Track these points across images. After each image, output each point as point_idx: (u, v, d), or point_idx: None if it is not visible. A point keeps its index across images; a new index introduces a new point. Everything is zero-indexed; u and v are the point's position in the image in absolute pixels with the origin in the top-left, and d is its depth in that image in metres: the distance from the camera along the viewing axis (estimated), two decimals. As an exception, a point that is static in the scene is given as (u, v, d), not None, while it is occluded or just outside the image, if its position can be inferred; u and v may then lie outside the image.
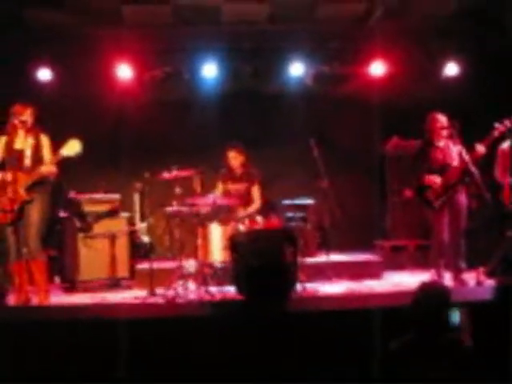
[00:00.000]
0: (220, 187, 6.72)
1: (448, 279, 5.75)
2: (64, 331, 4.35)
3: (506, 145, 5.95)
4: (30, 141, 5.55)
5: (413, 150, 6.14)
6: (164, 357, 4.24)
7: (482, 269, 5.76)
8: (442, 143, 5.78)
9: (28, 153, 5.52)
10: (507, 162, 5.93)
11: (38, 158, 5.53)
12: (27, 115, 5.58)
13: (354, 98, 7.89)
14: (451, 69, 7.77)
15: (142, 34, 7.42)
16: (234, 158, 6.68)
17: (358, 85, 7.86)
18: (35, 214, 5.49)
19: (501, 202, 5.85)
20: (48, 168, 5.44)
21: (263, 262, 4.83)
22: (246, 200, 6.62)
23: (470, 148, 5.66)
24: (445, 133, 5.73)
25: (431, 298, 3.26)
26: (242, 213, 6.42)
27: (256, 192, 6.71)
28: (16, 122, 5.54)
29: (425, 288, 3.35)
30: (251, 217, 6.09)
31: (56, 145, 5.64)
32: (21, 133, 5.58)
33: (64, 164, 5.56)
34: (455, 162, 5.70)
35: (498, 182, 5.99)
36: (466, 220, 5.73)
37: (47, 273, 5.72)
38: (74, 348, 4.25)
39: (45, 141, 5.62)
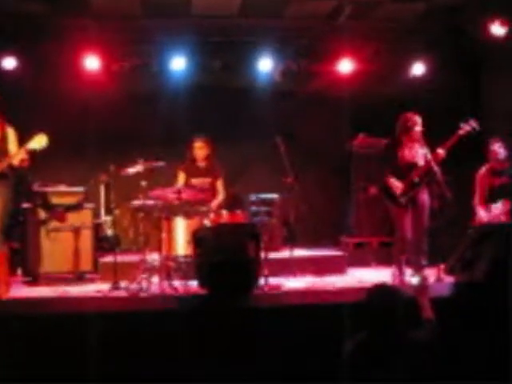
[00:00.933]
0: (181, 177, 6.69)
1: (409, 275, 5.85)
2: (24, 325, 4.31)
3: (483, 169, 6.27)
4: None
5: (380, 147, 6.21)
6: (127, 351, 4.25)
7: (442, 266, 5.89)
8: (411, 143, 5.85)
9: None
10: (483, 187, 6.22)
11: (3, 151, 5.46)
12: None
13: (321, 94, 7.93)
14: (418, 68, 7.87)
15: (110, 24, 7.34)
16: (200, 149, 6.67)
17: (326, 82, 7.90)
18: (-2, 206, 5.42)
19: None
20: (19, 157, 5.36)
21: (226, 257, 4.85)
22: (210, 194, 6.63)
23: (433, 148, 5.76)
24: (416, 133, 5.79)
25: (381, 296, 3.32)
26: (209, 206, 6.42)
27: (220, 185, 6.74)
28: None
29: (374, 288, 3.41)
30: (216, 211, 6.10)
31: (21, 136, 5.57)
32: None
33: (29, 155, 5.49)
34: (421, 162, 5.78)
35: (474, 206, 6.31)
36: (428, 218, 5.83)
37: (8, 265, 5.66)
38: (35, 342, 4.22)
39: (11, 133, 5.56)
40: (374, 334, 3.27)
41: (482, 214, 6.24)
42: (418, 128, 5.79)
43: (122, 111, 7.63)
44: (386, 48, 7.81)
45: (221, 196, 6.71)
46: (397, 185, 5.75)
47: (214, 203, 6.55)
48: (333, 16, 7.43)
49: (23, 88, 7.25)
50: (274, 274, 5.98)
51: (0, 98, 5.56)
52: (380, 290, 3.42)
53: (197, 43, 7.64)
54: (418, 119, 5.83)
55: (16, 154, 5.41)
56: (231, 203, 6.84)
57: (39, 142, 5.39)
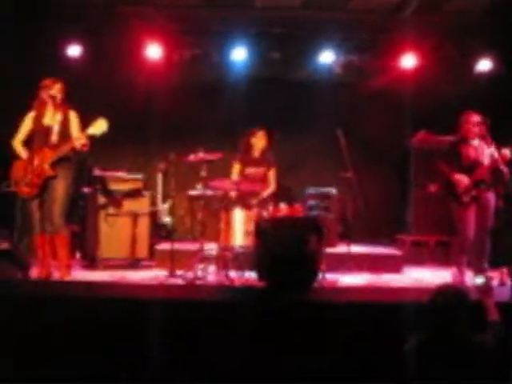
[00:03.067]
0: (237, 168, 6.69)
1: (469, 277, 5.71)
2: (84, 307, 4.38)
3: None
4: (59, 117, 5.57)
5: (444, 145, 6.08)
6: (181, 338, 4.26)
7: (505, 269, 5.71)
8: (475, 141, 5.72)
9: (56, 129, 5.54)
10: None
11: (65, 135, 5.55)
12: (56, 90, 5.59)
13: (383, 89, 7.77)
14: (484, 65, 7.64)
15: (173, 14, 7.39)
16: (260, 139, 6.65)
17: (388, 77, 7.75)
18: (59, 190, 5.53)
19: None
20: (80, 141, 5.45)
21: (287, 251, 4.81)
22: (264, 184, 6.61)
23: (499, 147, 5.62)
24: (478, 132, 5.65)
25: (446, 298, 3.23)
26: (260, 195, 6.41)
27: (272, 176, 6.70)
28: (45, 96, 5.57)
29: (440, 288, 3.33)
30: (275, 203, 6.07)
31: (83, 122, 5.67)
32: (49, 108, 5.60)
33: (90, 140, 5.57)
34: (486, 161, 5.65)
35: None
36: (492, 218, 5.67)
37: (69, 248, 5.77)
38: (93, 325, 4.28)
39: (73, 117, 5.64)
40: (436, 336, 3.19)
41: None
42: (481, 127, 5.65)
43: (182, 100, 7.67)
44: (450, 43, 7.62)
45: (272, 187, 6.67)
46: (464, 181, 5.60)
47: (264, 194, 6.51)
48: (398, 10, 7.30)
49: (87, 75, 7.37)
50: (330, 269, 5.92)
51: (64, 83, 5.67)
52: (447, 290, 3.33)
53: (258, 35, 7.62)
54: (484, 117, 5.68)
55: (78, 138, 5.49)
56: (286, 196, 6.79)
57: (99, 126, 5.45)
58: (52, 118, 5.58)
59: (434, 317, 3.23)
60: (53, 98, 5.56)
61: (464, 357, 3.13)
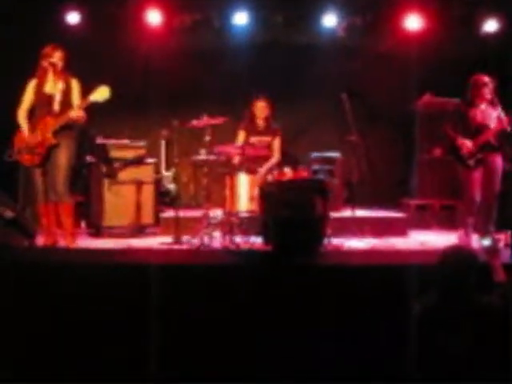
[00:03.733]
0: (242, 136, 6.66)
1: (475, 239, 5.70)
2: (90, 274, 4.39)
3: None
4: (60, 85, 5.52)
5: (449, 107, 6.02)
6: (190, 304, 4.28)
7: (510, 232, 5.69)
8: (483, 105, 5.66)
9: (57, 97, 5.49)
10: None
11: (67, 103, 5.51)
12: (57, 57, 5.52)
13: (387, 52, 7.66)
14: (491, 25, 7.49)
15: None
16: (263, 108, 6.61)
17: (393, 39, 7.63)
18: (62, 158, 5.51)
19: None
20: (76, 113, 5.41)
21: (294, 213, 4.78)
22: (269, 153, 6.59)
23: (507, 109, 5.56)
24: (487, 95, 5.59)
25: (456, 259, 3.21)
26: (264, 165, 6.38)
27: (276, 145, 6.67)
28: (46, 64, 5.50)
29: (450, 250, 3.31)
30: (279, 168, 6.04)
31: (84, 89, 5.61)
32: (50, 76, 5.54)
33: (91, 109, 5.52)
34: (493, 124, 5.59)
35: None
36: (499, 181, 5.64)
37: (74, 216, 5.76)
38: (100, 291, 4.29)
39: (75, 85, 5.58)
40: (444, 298, 3.18)
41: None
42: (490, 89, 5.59)
43: (183, 66, 7.60)
44: (456, 3, 7.47)
45: (276, 157, 6.64)
46: (467, 145, 5.57)
47: (268, 164, 6.47)
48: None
49: (86, 42, 7.26)
50: (335, 233, 5.90)
51: (64, 50, 5.60)
52: (456, 252, 3.31)
53: (259, -2, 7.49)
54: (491, 80, 5.61)
55: (77, 108, 5.44)
56: (291, 160, 6.76)
57: (102, 93, 5.41)
58: (53, 87, 5.52)
59: (443, 279, 3.21)
60: (53, 65, 5.50)
61: (472, 318, 3.13)
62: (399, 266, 4.53)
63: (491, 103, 5.66)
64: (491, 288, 3.42)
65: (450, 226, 6.78)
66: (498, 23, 7.46)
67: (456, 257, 3.25)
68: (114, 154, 6.77)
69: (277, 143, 6.69)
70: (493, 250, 3.84)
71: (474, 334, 3.08)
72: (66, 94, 5.52)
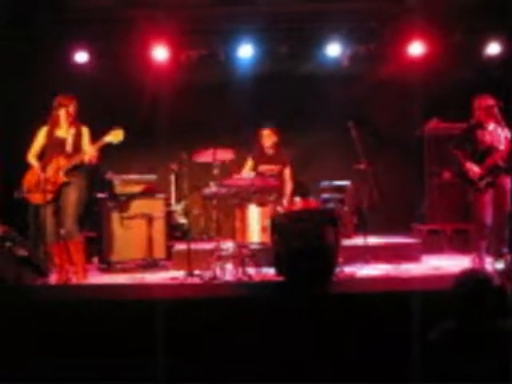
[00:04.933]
0: (249, 165, 6.69)
1: (489, 263, 5.66)
2: (101, 310, 4.38)
3: None
4: (72, 131, 5.67)
5: (457, 131, 6.04)
6: (202, 337, 4.25)
7: (524, 254, 5.66)
8: (491, 126, 5.68)
9: (69, 140, 5.65)
10: None
11: (77, 147, 5.64)
12: (71, 107, 5.68)
13: (391, 78, 7.69)
14: (493, 48, 7.54)
15: (177, 15, 7.37)
16: (268, 137, 6.68)
17: (396, 65, 7.68)
18: (72, 196, 5.60)
19: None
20: (90, 156, 5.50)
21: (305, 243, 4.78)
22: (279, 182, 6.61)
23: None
24: (494, 116, 5.62)
25: (473, 284, 3.18)
26: (284, 195, 6.42)
27: (288, 174, 6.70)
28: (61, 113, 5.63)
29: (466, 274, 3.28)
30: (289, 198, 6.06)
31: (92, 127, 5.72)
32: (63, 124, 5.67)
33: (104, 147, 5.65)
34: (502, 146, 5.61)
35: None
36: (510, 203, 5.62)
37: (84, 253, 5.81)
38: (112, 327, 4.28)
39: (85, 132, 5.76)
40: (462, 322, 3.15)
41: None
42: (496, 111, 5.61)
43: (190, 100, 7.66)
44: (458, 28, 7.53)
45: (289, 185, 6.68)
46: (474, 170, 5.57)
47: (287, 193, 6.52)
48: (402, -3, 7.24)
49: (94, 80, 7.38)
50: (347, 261, 5.90)
51: (74, 97, 5.73)
52: (472, 276, 3.28)
53: (264, 30, 7.57)
54: (497, 101, 5.64)
55: (88, 152, 5.56)
56: (301, 191, 6.78)
57: (116, 136, 5.59)
58: (65, 132, 5.70)
59: (460, 303, 3.18)
60: (70, 115, 5.64)
61: (491, 343, 3.09)
62: (413, 293, 4.49)
63: (499, 124, 5.67)
64: (507, 312, 3.38)
65: (462, 249, 6.75)
66: (500, 46, 7.51)
67: (473, 281, 3.22)
68: (125, 189, 6.82)
69: (288, 172, 6.72)
70: (506, 273, 3.80)
71: (493, 360, 3.04)
72: (77, 139, 5.66)
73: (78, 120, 5.75)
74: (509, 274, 3.69)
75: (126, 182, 6.88)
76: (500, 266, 5.45)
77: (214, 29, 7.62)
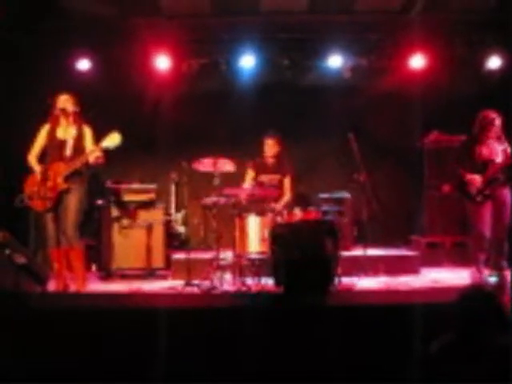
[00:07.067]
0: (250, 174, 6.70)
1: (486, 276, 5.65)
2: (100, 319, 4.37)
3: None
4: (73, 131, 5.63)
5: (454, 144, 6.06)
6: (200, 347, 4.24)
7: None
8: (490, 140, 5.71)
9: (70, 143, 5.60)
10: None
11: (78, 149, 5.60)
12: (67, 104, 5.63)
13: (392, 91, 7.73)
14: (494, 62, 7.58)
15: (179, 24, 7.43)
16: (271, 146, 6.68)
17: (397, 78, 7.71)
18: (73, 203, 5.57)
19: None
20: (94, 156, 5.48)
21: (304, 254, 4.78)
22: (279, 191, 6.61)
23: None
24: (494, 130, 5.66)
25: (476, 298, 3.18)
26: (277, 205, 6.39)
27: (287, 184, 6.70)
28: (58, 111, 5.60)
29: (469, 288, 3.28)
30: (289, 208, 6.05)
31: (94, 134, 5.70)
32: (63, 122, 5.65)
33: (103, 154, 5.60)
34: (499, 159, 5.63)
35: None
36: (509, 215, 5.63)
37: (84, 260, 5.79)
38: (110, 335, 4.27)
39: (87, 132, 5.70)
40: (463, 336, 3.14)
41: None
42: (497, 125, 5.66)
43: (192, 110, 7.68)
44: (459, 42, 7.57)
45: (287, 195, 6.67)
46: (476, 180, 5.58)
47: (280, 203, 6.50)
48: (405, 10, 7.27)
49: (96, 88, 7.39)
50: (346, 273, 5.89)
51: (76, 97, 5.71)
52: (475, 291, 3.29)
53: (265, 40, 7.60)
54: (497, 116, 5.67)
55: (92, 152, 5.52)
56: (300, 202, 6.78)
57: (113, 140, 5.49)
58: (66, 132, 5.64)
59: (462, 317, 3.18)
60: (64, 111, 5.60)
61: (491, 357, 3.08)
62: (412, 305, 4.49)
63: (498, 138, 5.70)
64: (507, 328, 3.38)
65: (461, 262, 6.74)
66: (501, 59, 7.54)
67: (478, 295, 3.22)
68: (125, 197, 6.84)
69: (288, 182, 6.72)
70: (500, 287, 3.80)
71: (493, 374, 3.04)
72: (79, 140, 5.63)
73: (79, 119, 5.69)
74: (501, 289, 3.67)
75: (126, 191, 6.88)
76: (493, 280, 5.45)
77: (216, 38, 7.64)
